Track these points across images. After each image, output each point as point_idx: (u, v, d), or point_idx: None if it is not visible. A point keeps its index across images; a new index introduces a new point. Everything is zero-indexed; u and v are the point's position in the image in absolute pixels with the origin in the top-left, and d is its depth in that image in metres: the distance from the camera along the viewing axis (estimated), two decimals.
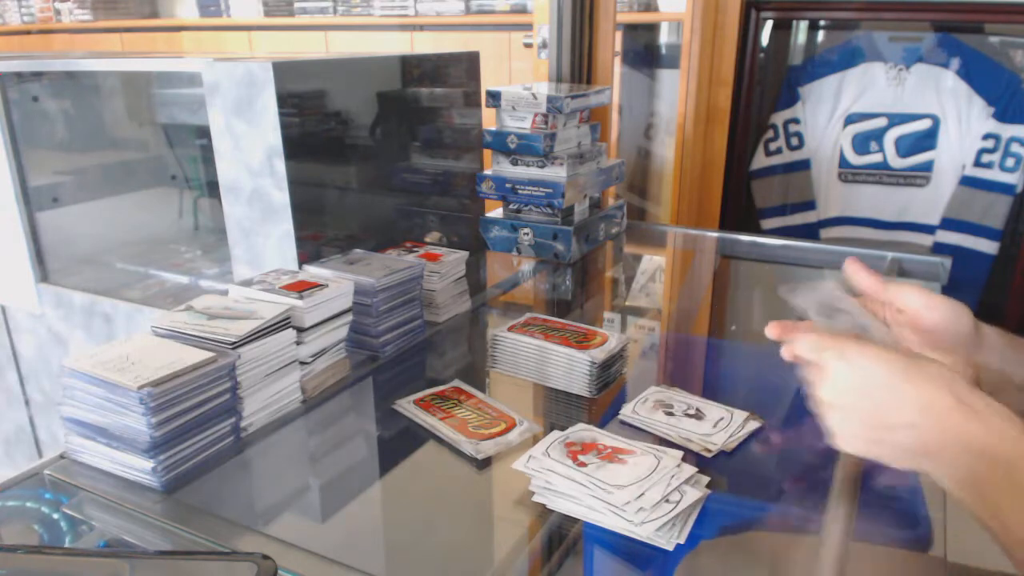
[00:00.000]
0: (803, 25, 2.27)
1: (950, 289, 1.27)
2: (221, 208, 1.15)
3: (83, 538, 0.65)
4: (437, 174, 1.38)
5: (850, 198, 2.23)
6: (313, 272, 0.94)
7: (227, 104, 1.07)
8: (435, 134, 1.38)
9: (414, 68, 1.31)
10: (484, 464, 0.75)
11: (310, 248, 1.11)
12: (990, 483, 0.51)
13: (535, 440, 0.75)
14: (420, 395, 0.87)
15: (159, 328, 0.77)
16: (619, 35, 2.18)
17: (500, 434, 0.78)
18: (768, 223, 2.33)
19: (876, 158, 2.17)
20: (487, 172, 1.40)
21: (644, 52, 2.61)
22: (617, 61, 2.27)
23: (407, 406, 0.85)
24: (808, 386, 0.60)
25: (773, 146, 2.28)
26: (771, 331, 0.68)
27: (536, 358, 0.92)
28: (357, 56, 1.24)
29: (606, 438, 0.73)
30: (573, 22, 1.58)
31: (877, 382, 0.56)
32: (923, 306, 0.68)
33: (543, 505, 0.66)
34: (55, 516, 0.68)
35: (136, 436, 0.67)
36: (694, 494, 0.65)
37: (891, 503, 0.71)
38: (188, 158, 1.80)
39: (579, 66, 1.63)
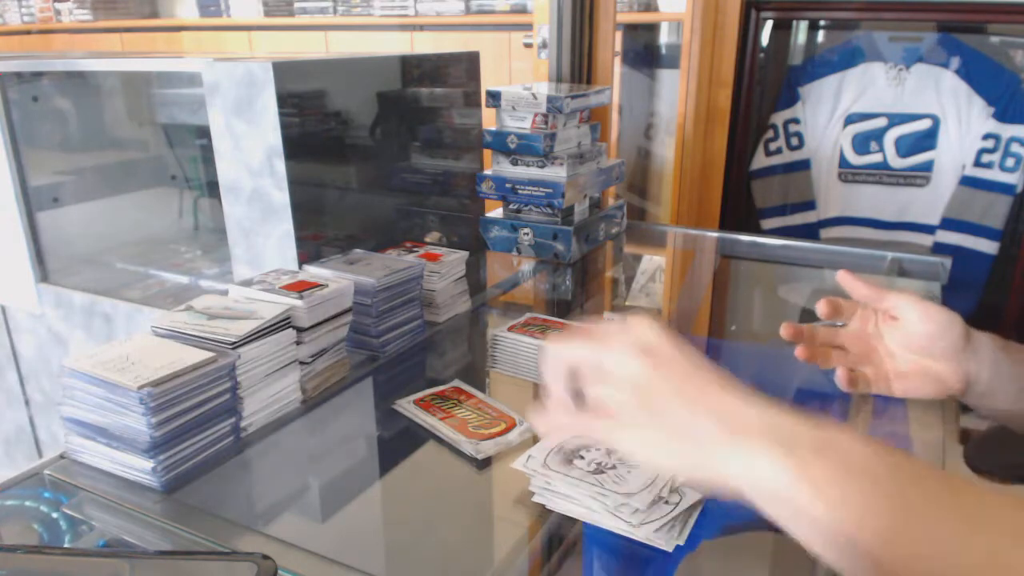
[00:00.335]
0: (803, 25, 2.27)
1: (950, 289, 1.27)
2: (221, 208, 1.15)
3: (83, 538, 0.65)
4: (437, 174, 1.38)
5: (850, 198, 2.23)
6: (313, 272, 0.94)
7: (227, 104, 1.08)
8: (435, 134, 1.38)
9: (414, 68, 1.31)
10: (484, 464, 0.75)
11: (310, 248, 1.11)
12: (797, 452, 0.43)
13: (535, 440, 0.75)
14: (420, 395, 0.87)
15: (159, 328, 0.77)
16: (619, 35, 2.18)
17: (500, 434, 0.78)
18: (768, 223, 2.33)
19: (876, 158, 2.18)
20: (487, 172, 1.40)
21: (644, 52, 2.61)
22: (617, 61, 2.27)
23: (407, 406, 0.85)
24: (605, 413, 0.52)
25: (773, 146, 2.28)
26: (785, 332, 0.68)
27: (536, 358, 0.92)
28: (357, 56, 1.24)
29: None
30: (573, 22, 1.58)
31: (646, 398, 0.50)
32: (917, 315, 0.69)
33: (543, 505, 0.66)
34: (55, 516, 0.68)
35: (136, 436, 0.67)
36: (694, 495, 0.65)
37: None
38: (188, 158, 1.80)
39: (579, 66, 1.63)
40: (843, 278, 0.73)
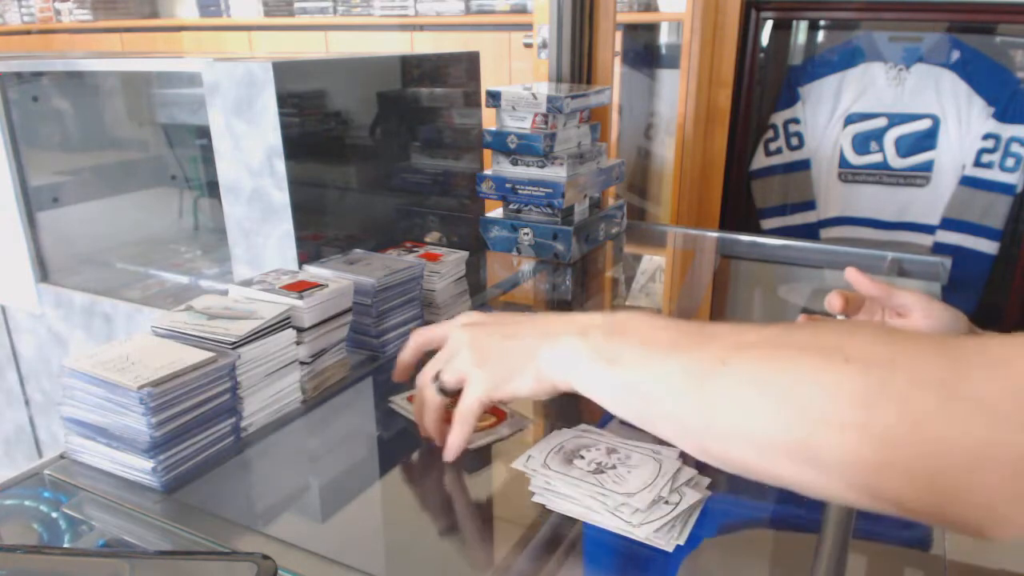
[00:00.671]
0: (803, 25, 2.27)
1: (950, 289, 1.27)
2: (221, 208, 1.15)
3: (83, 538, 0.65)
4: (437, 174, 1.38)
5: (850, 198, 2.24)
6: (313, 272, 0.94)
7: (227, 104, 1.08)
8: (435, 134, 1.38)
9: (414, 68, 1.31)
10: (484, 464, 0.75)
11: (310, 248, 1.11)
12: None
13: (525, 433, 0.75)
14: (412, 392, 0.87)
15: (159, 328, 0.77)
16: (619, 35, 2.18)
17: (491, 427, 0.79)
18: (768, 223, 2.33)
19: (876, 158, 2.18)
20: (487, 172, 1.40)
21: (644, 52, 2.61)
22: (617, 61, 2.28)
23: (400, 403, 0.85)
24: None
25: (773, 146, 2.28)
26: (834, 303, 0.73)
27: None
28: (357, 56, 1.24)
29: (605, 440, 0.73)
30: (573, 22, 1.58)
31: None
32: (923, 313, 0.70)
33: (543, 505, 0.66)
34: (55, 516, 0.68)
35: (136, 436, 0.67)
36: (694, 495, 0.65)
37: None
38: (188, 158, 1.80)
39: (579, 66, 1.63)
40: (851, 275, 0.74)
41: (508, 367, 0.61)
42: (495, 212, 1.43)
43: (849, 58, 2.16)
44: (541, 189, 1.32)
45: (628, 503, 0.63)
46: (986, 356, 0.37)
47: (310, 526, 0.70)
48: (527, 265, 1.36)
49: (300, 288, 0.85)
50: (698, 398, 0.47)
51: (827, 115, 2.21)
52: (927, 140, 2.11)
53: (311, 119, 1.10)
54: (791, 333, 0.46)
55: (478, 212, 1.44)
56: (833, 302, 0.78)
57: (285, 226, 1.08)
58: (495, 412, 0.82)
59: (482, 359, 0.63)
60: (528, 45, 1.66)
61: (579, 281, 1.35)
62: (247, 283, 0.88)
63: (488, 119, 1.42)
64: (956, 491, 0.36)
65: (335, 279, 0.90)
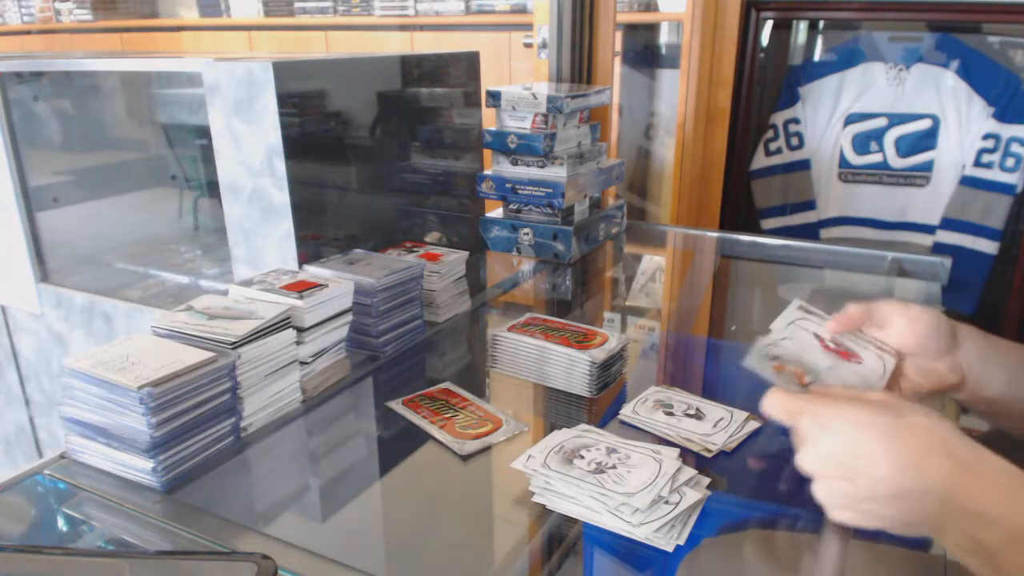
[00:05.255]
0: (803, 25, 2.27)
1: (950, 289, 1.27)
2: (221, 208, 1.15)
3: (83, 538, 0.65)
4: (437, 174, 1.38)
5: (850, 198, 2.23)
6: (313, 272, 0.94)
7: (227, 104, 1.08)
8: (435, 134, 1.38)
9: (414, 68, 1.31)
10: (484, 464, 0.75)
11: (310, 248, 1.11)
12: (994, 546, 0.48)
13: (521, 440, 0.75)
14: (409, 396, 0.87)
15: (159, 328, 0.77)
16: (619, 35, 2.18)
17: (487, 434, 0.79)
18: (768, 223, 2.32)
19: (876, 158, 2.18)
20: (487, 172, 1.40)
21: (644, 52, 2.61)
22: (617, 61, 2.27)
23: (396, 407, 0.85)
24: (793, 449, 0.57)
25: (773, 146, 2.28)
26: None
27: (536, 358, 0.92)
28: (357, 56, 1.24)
29: (605, 439, 0.73)
30: (573, 22, 1.58)
31: (859, 450, 0.53)
32: (904, 320, 0.70)
33: (543, 505, 0.66)
34: (55, 516, 0.68)
35: (136, 436, 0.67)
36: (694, 495, 0.65)
37: None
38: (188, 158, 1.80)
39: (579, 66, 1.63)
40: (834, 327, 0.72)
41: (859, 509, 0.53)
42: (495, 212, 1.43)
43: (849, 58, 2.16)
44: (541, 189, 1.32)
45: (628, 503, 0.63)
46: None
47: (310, 526, 0.70)
48: (527, 265, 1.36)
49: (300, 288, 0.85)
50: None
51: (827, 115, 2.21)
52: (927, 140, 2.11)
53: (311, 119, 1.10)
54: None
55: (478, 212, 1.44)
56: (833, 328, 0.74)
57: (285, 226, 1.08)
58: (491, 419, 0.82)
59: (825, 478, 0.55)
60: (528, 45, 1.66)
61: (579, 281, 1.35)
62: (247, 283, 0.88)
63: (488, 119, 1.42)
64: None
65: (335, 279, 0.90)
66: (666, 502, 0.64)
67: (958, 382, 0.69)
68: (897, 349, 0.70)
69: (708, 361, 1.12)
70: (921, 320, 0.70)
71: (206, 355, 0.71)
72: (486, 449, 0.77)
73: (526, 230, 1.36)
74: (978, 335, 0.70)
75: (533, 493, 0.67)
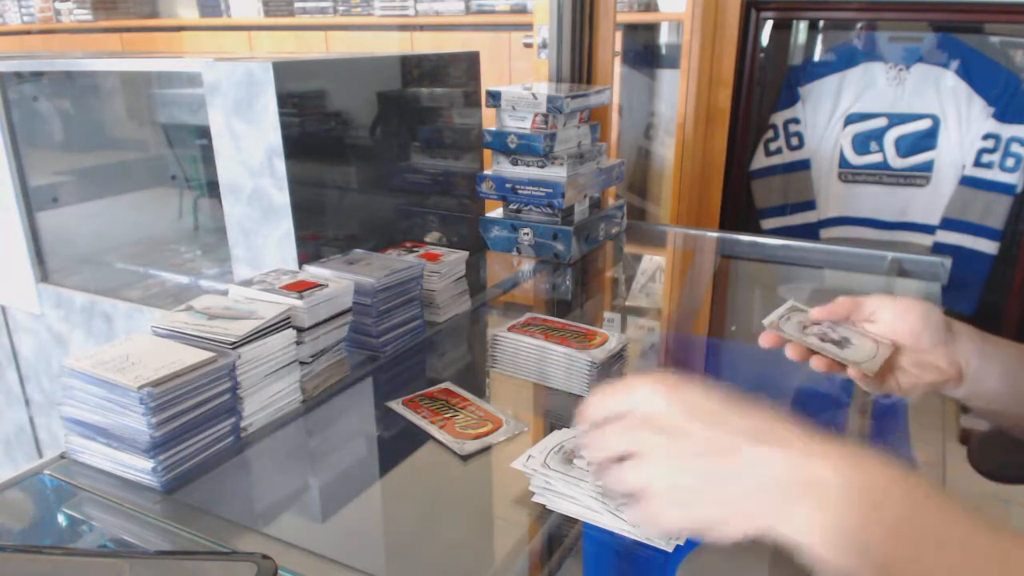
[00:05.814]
0: (803, 25, 2.27)
1: (950, 289, 1.27)
2: (221, 208, 1.15)
3: (83, 538, 0.65)
4: (437, 174, 1.38)
5: (850, 198, 2.24)
6: (313, 272, 0.94)
7: (227, 104, 1.08)
8: (435, 134, 1.38)
9: (414, 68, 1.31)
10: (484, 464, 0.75)
11: (310, 248, 1.11)
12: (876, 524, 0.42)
13: (521, 440, 0.75)
14: (409, 396, 0.87)
15: (159, 328, 0.77)
16: (619, 35, 2.18)
17: (487, 434, 0.79)
18: (768, 223, 2.33)
19: (876, 158, 2.18)
20: (487, 172, 1.40)
21: (644, 52, 2.61)
22: (617, 61, 2.27)
23: (396, 407, 0.85)
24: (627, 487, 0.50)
25: (773, 146, 2.28)
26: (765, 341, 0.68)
27: (536, 358, 0.92)
28: (357, 56, 1.24)
29: None
30: (573, 22, 1.58)
31: (701, 407, 0.50)
32: (895, 312, 0.70)
33: (543, 505, 0.66)
34: (55, 516, 0.68)
35: (136, 436, 0.67)
36: None
37: None
38: (188, 158, 1.80)
39: (579, 66, 1.63)
40: (819, 313, 0.72)
41: (710, 513, 0.47)
42: (495, 212, 1.43)
43: (849, 58, 2.16)
44: (541, 189, 1.32)
45: (628, 503, 0.62)
46: None
47: (310, 526, 0.70)
48: (527, 265, 1.36)
49: (300, 288, 0.85)
50: None
51: (827, 115, 2.21)
52: (927, 140, 2.11)
53: (311, 119, 1.10)
54: None
55: (478, 212, 1.44)
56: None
57: (285, 226, 1.08)
58: (491, 419, 0.82)
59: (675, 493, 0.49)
60: (528, 45, 1.66)
61: (579, 281, 1.35)
62: (247, 283, 0.88)
63: (488, 119, 1.42)
64: None
65: (335, 279, 0.90)
66: None
67: (956, 376, 0.69)
68: (892, 340, 0.70)
69: (708, 361, 1.12)
70: (912, 311, 0.69)
71: (206, 355, 0.71)
72: (486, 449, 0.77)
73: (526, 230, 1.36)
74: (975, 332, 0.70)
75: (533, 493, 0.67)
